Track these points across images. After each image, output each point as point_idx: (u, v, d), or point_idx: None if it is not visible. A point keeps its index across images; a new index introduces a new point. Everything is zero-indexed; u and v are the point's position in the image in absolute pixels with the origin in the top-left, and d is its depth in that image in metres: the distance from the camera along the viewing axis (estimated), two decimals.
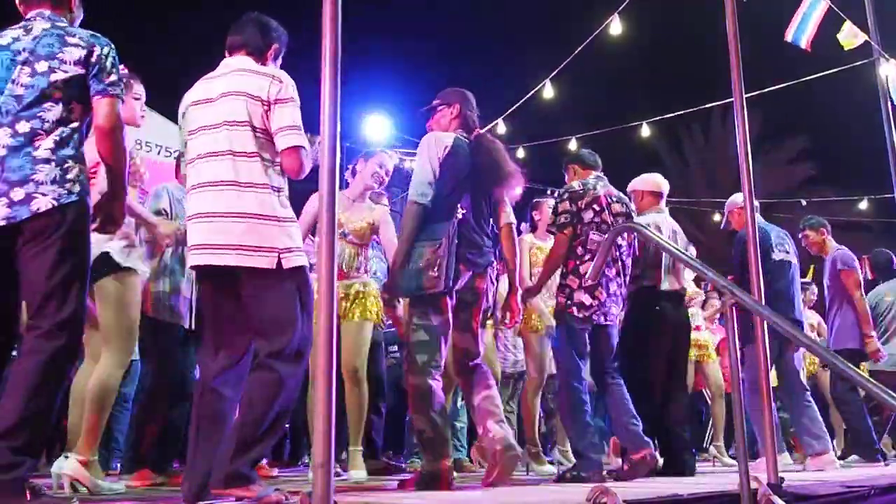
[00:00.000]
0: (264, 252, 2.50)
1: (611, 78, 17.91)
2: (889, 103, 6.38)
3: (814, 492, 2.86)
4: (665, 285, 4.46)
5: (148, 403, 3.99)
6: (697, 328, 6.36)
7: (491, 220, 3.59)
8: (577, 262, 4.03)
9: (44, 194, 2.40)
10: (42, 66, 2.49)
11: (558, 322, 4.12)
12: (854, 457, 5.68)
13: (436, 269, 3.22)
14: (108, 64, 2.56)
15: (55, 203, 2.41)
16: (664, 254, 4.49)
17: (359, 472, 4.11)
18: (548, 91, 7.71)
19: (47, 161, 2.43)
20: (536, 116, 8.90)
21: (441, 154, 3.41)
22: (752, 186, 3.21)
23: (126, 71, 3.31)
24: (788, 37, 6.22)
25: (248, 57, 2.74)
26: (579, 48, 7.20)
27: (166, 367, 3.96)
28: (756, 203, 3.60)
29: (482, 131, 3.68)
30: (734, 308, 2.55)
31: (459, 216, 3.35)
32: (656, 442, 4.17)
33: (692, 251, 5.60)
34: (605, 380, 4.07)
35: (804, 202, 12.99)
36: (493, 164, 3.51)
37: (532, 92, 7.78)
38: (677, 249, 3.28)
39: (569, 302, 4.01)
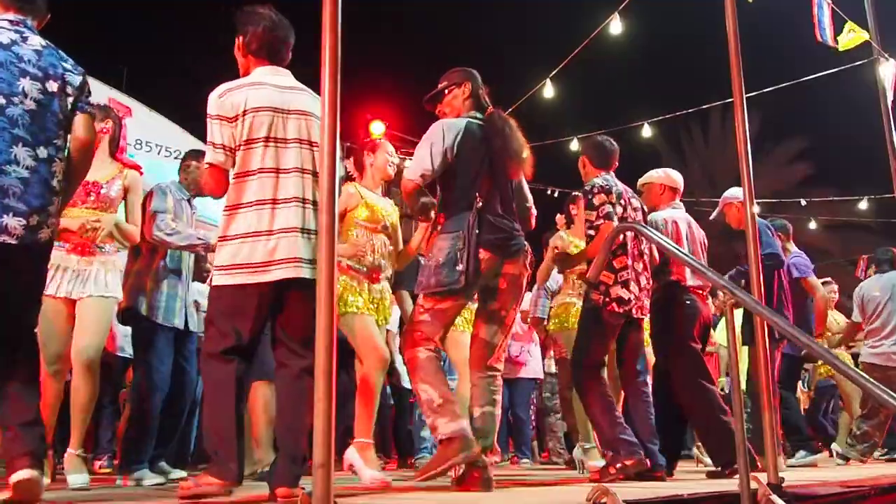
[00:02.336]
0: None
1: (611, 78, 17.91)
2: (889, 103, 6.37)
3: (814, 492, 2.86)
4: (690, 281, 4.38)
5: (140, 403, 4.01)
6: None
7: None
8: (611, 258, 3.93)
9: (48, 226, 2.52)
10: (52, 86, 2.55)
11: (591, 319, 3.99)
12: (802, 453, 5.78)
13: (456, 264, 3.09)
14: (87, 89, 2.70)
15: (51, 236, 2.55)
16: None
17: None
18: (548, 90, 7.71)
19: (56, 194, 2.56)
20: (536, 116, 8.90)
21: (451, 143, 3.22)
22: (752, 186, 3.21)
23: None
24: (819, 37, 6.18)
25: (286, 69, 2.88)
26: (579, 48, 7.20)
27: (160, 367, 3.98)
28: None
29: (494, 109, 3.46)
30: (734, 308, 2.55)
31: (479, 204, 3.19)
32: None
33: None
34: (635, 382, 4.03)
35: (804, 202, 12.99)
36: (504, 146, 3.32)
37: (532, 91, 7.78)
38: (677, 249, 3.28)
39: (606, 299, 3.93)
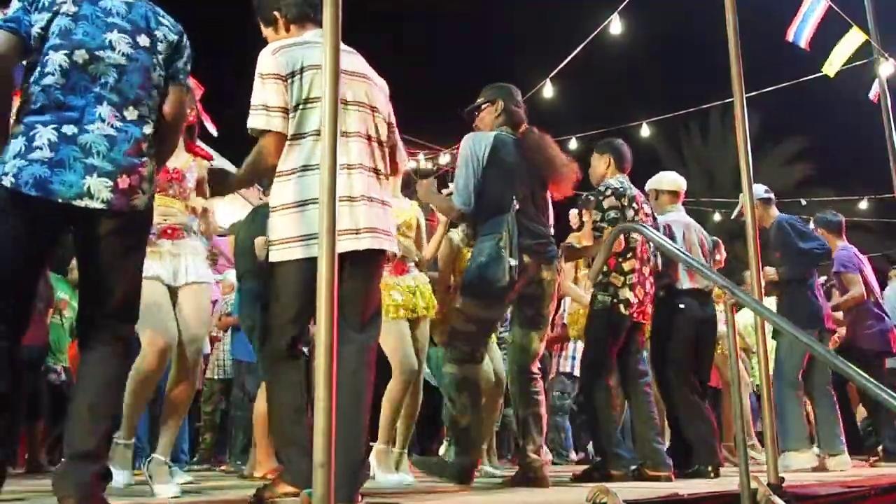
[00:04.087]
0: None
1: (611, 78, 17.89)
2: (889, 103, 6.38)
3: (814, 492, 2.86)
4: (686, 284, 4.40)
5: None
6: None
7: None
8: (620, 260, 3.96)
9: (143, 192, 2.26)
10: (143, 40, 2.32)
11: (599, 320, 3.99)
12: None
13: (498, 263, 3.11)
14: (187, 54, 2.47)
15: (146, 205, 2.29)
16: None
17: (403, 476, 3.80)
18: (547, 90, 7.71)
19: (150, 157, 2.31)
20: (536, 116, 8.89)
21: (483, 153, 3.30)
22: (752, 186, 3.21)
23: None
24: (790, 37, 6.22)
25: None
26: (579, 48, 7.20)
27: None
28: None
29: (529, 126, 3.55)
30: (734, 308, 2.55)
31: (517, 207, 3.24)
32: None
33: (722, 250, 5.55)
34: (637, 383, 4.04)
35: (804, 202, 12.98)
36: (544, 161, 3.40)
37: (532, 91, 7.77)
38: (677, 249, 3.28)
39: (614, 300, 3.93)
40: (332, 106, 1.92)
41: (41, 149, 2.13)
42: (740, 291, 2.57)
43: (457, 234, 4.59)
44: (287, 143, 2.43)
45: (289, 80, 2.42)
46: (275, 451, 2.63)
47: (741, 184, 3.17)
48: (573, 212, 5.68)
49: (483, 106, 3.58)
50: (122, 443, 3.21)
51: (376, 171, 2.52)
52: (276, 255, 2.40)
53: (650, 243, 4.18)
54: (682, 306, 4.36)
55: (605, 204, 3.99)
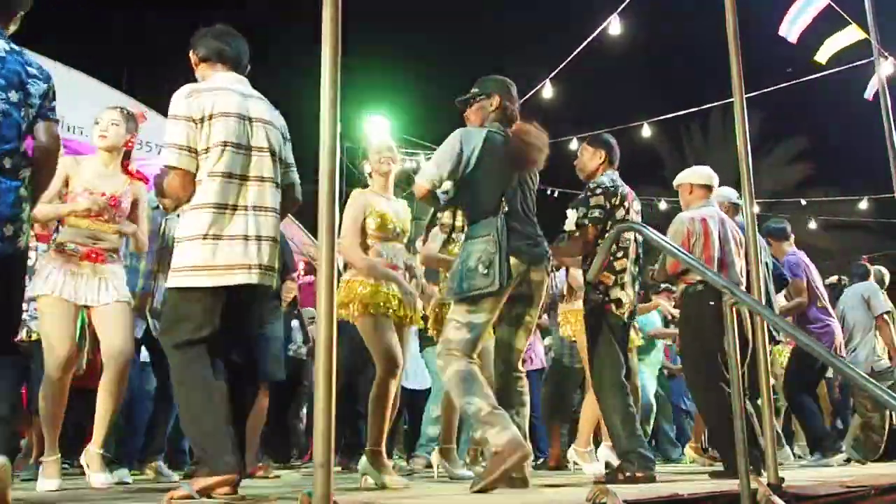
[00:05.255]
0: None
1: (611, 78, 17.89)
2: (889, 103, 6.38)
3: (814, 492, 2.86)
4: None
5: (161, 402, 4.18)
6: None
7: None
8: (612, 259, 3.91)
9: (23, 233, 2.49)
10: (14, 96, 2.47)
11: (595, 320, 3.94)
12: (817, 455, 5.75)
13: (488, 268, 3.09)
14: (53, 94, 2.63)
15: (27, 243, 2.53)
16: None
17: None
18: (547, 91, 7.71)
19: (26, 200, 2.52)
20: (536, 116, 8.89)
21: (471, 153, 3.26)
22: (752, 186, 3.21)
23: None
24: (781, 31, 6.22)
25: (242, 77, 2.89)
26: (579, 48, 7.21)
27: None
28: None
29: (520, 123, 3.44)
30: (734, 308, 2.55)
31: (506, 209, 3.21)
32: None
33: (766, 253, 5.39)
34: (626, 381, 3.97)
35: (804, 202, 12.99)
36: (521, 154, 3.33)
37: (532, 91, 7.78)
38: (677, 249, 3.28)
39: (606, 298, 3.88)
40: (331, 106, 1.92)
41: None
42: (740, 291, 2.56)
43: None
44: (201, 179, 2.67)
45: (199, 125, 2.66)
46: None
47: (741, 184, 3.17)
48: (570, 212, 5.66)
49: (478, 98, 3.49)
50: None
51: (274, 210, 2.79)
52: (184, 281, 2.64)
53: (650, 243, 4.18)
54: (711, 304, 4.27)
55: (592, 202, 3.95)
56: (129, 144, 3.77)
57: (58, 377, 3.43)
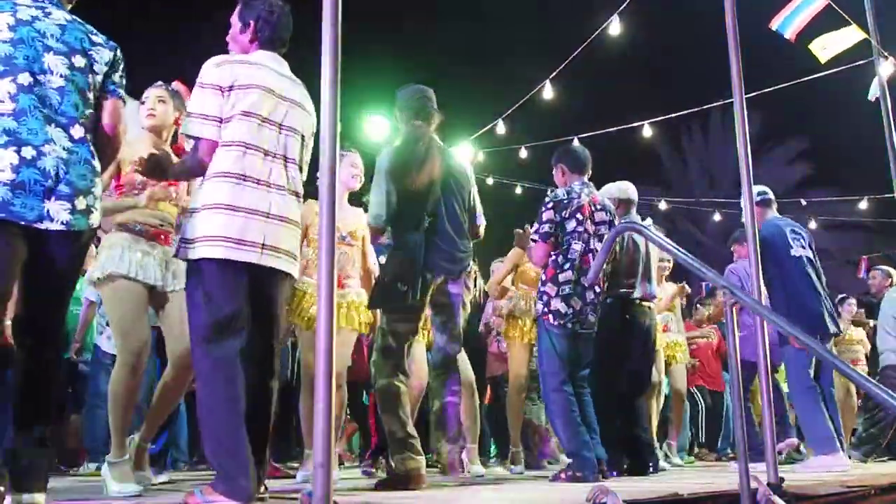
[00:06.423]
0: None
1: (611, 78, 17.89)
2: (889, 103, 6.38)
3: (814, 492, 2.86)
4: (637, 293, 4.57)
5: None
6: (666, 329, 6.32)
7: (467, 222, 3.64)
8: (557, 271, 4.03)
9: (95, 209, 2.42)
10: (79, 62, 2.44)
11: (539, 329, 4.15)
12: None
13: (404, 283, 3.30)
14: (121, 67, 2.60)
15: (97, 220, 2.45)
16: (641, 262, 4.58)
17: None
18: (547, 91, 7.71)
19: (97, 174, 2.45)
20: (536, 117, 8.90)
21: (390, 170, 3.43)
22: (752, 186, 3.21)
23: None
24: (774, 25, 6.20)
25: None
26: (579, 48, 7.20)
27: None
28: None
29: (432, 136, 3.60)
30: (734, 308, 2.55)
31: (426, 226, 3.40)
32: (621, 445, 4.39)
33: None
34: (573, 389, 4.06)
35: (804, 202, 12.98)
36: (449, 168, 3.56)
37: (532, 92, 7.78)
38: (677, 250, 3.28)
39: (546, 309, 4.02)
40: (331, 108, 1.92)
41: (3, 171, 2.24)
42: (740, 292, 2.56)
43: None
44: (222, 148, 2.57)
45: (227, 93, 2.59)
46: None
47: (741, 184, 3.17)
48: None
49: (396, 114, 3.71)
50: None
51: (296, 192, 2.74)
52: (201, 252, 2.49)
53: (651, 244, 4.18)
54: (628, 317, 4.58)
55: (544, 216, 4.08)
56: (178, 122, 3.48)
57: (135, 366, 3.15)
